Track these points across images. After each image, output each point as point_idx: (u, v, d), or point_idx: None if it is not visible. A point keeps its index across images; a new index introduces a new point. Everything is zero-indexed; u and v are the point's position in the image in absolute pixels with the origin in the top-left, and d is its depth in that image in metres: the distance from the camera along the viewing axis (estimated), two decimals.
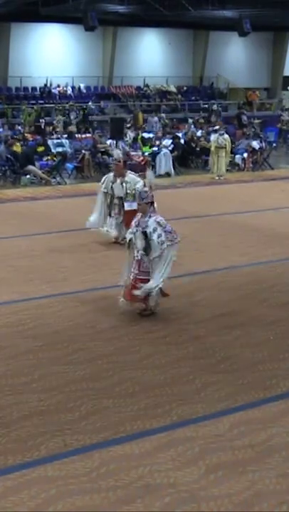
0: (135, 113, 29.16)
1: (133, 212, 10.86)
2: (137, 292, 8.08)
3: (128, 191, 11.28)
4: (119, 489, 4.98)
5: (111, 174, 11.77)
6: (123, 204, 11.41)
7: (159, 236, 8.04)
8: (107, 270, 10.00)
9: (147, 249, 8.08)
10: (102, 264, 10.59)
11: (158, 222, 8.10)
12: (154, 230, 8.06)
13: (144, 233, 8.07)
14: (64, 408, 6.13)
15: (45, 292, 9.32)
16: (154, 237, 8.03)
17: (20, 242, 12.11)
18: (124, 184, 11.36)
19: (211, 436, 5.69)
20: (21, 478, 5.10)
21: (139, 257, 8.18)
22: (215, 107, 32.31)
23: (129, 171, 11.99)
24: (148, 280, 8.12)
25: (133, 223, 8.35)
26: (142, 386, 6.56)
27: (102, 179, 11.99)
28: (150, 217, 8.14)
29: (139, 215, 8.35)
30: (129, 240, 8.30)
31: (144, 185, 10.66)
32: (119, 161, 11.83)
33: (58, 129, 24.61)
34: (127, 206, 11.23)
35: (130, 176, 11.60)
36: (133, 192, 11.20)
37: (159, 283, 8.10)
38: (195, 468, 5.25)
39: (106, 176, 12.03)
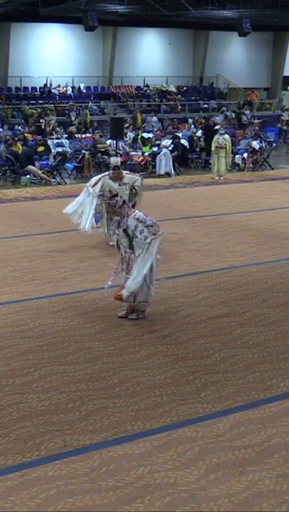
0: (134, 113, 29.17)
1: None
2: (122, 293, 8.07)
3: (127, 192, 11.18)
4: (119, 489, 4.98)
5: (106, 177, 11.34)
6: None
7: (142, 232, 8.02)
8: (107, 270, 9.99)
9: (132, 247, 8.08)
10: (102, 264, 10.59)
11: (137, 219, 8.09)
12: (136, 227, 8.03)
13: (126, 232, 8.08)
14: (64, 408, 6.13)
15: (45, 292, 9.33)
16: (138, 234, 8.02)
17: (20, 242, 12.12)
18: (124, 186, 11.19)
19: (211, 436, 5.69)
20: (21, 478, 5.10)
21: (127, 256, 8.16)
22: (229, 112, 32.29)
23: (125, 171, 11.86)
24: None
25: (113, 226, 8.38)
26: (142, 386, 6.56)
27: (93, 181, 11.41)
28: (128, 216, 8.14)
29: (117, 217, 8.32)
30: (117, 243, 8.30)
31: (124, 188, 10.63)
32: (119, 168, 11.49)
33: (57, 129, 24.61)
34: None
35: (127, 176, 11.48)
36: (134, 191, 11.17)
37: (139, 282, 7.99)
38: (195, 468, 5.25)
39: (99, 177, 11.47)
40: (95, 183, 11.32)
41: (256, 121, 29.28)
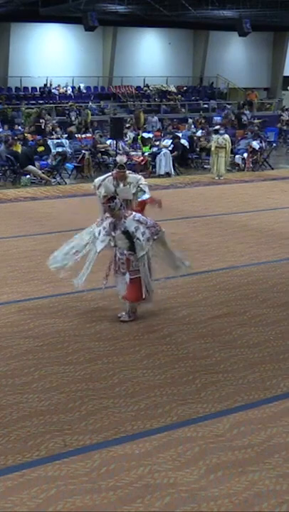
0: (137, 113, 29.09)
1: (143, 204, 10.80)
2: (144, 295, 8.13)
3: (133, 191, 11.05)
4: (119, 489, 4.98)
5: (110, 178, 10.93)
6: (127, 206, 10.99)
7: (144, 234, 8.00)
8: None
9: (133, 248, 8.05)
10: (101, 264, 10.55)
11: (138, 220, 8.05)
12: (136, 228, 7.99)
13: (126, 233, 8.04)
14: (64, 408, 6.13)
15: (45, 292, 9.33)
16: (139, 235, 7.99)
17: (20, 242, 12.12)
18: (129, 186, 11.02)
19: (211, 436, 5.69)
20: (21, 478, 5.10)
21: (124, 258, 8.11)
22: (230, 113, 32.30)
23: (128, 171, 11.72)
24: (139, 278, 8.09)
25: (105, 228, 8.25)
26: (142, 386, 6.57)
27: (96, 183, 11.07)
28: (126, 217, 8.10)
29: (110, 219, 8.25)
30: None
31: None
32: (124, 168, 11.30)
33: (57, 129, 24.60)
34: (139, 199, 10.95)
35: (131, 176, 11.32)
36: (139, 189, 11.01)
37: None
38: (195, 468, 5.25)
39: (101, 179, 11.05)
40: (100, 185, 11.13)
41: (256, 121, 29.29)
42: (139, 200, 10.82)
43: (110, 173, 11.36)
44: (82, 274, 8.34)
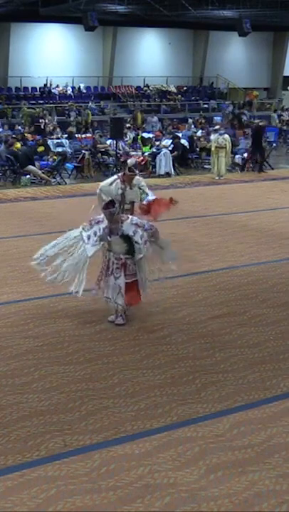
0: (134, 113, 29.12)
1: (151, 205, 10.73)
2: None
3: (140, 193, 10.93)
4: (119, 489, 4.98)
5: (118, 181, 10.40)
6: (132, 208, 10.86)
7: (142, 237, 7.99)
8: None
9: (132, 252, 8.02)
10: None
11: (136, 224, 8.03)
12: (135, 232, 7.98)
13: (124, 237, 7.99)
14: (64, 408, 6.13)
15: (45, 292, 9.32)
16: (138, 238, 7.97)
17: (20, 242, 12.11)
18: (135, 188, 10.84)
19: (211, 436, 5.69)
20: (21, 478, 5.10)
21: (120, 262, 8.05)
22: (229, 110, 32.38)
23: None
24: (136, 281, 8.09)
25: (96, 233, 8.19)
26: (142, 386, 6.57)
27: (106, 186, 10.45)
28: (122, 221, 8.05)
29: (103, 223, 8.16)
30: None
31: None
32: (134, 171, 11.04)
33: (57, 129, 24.61)
34: (145, 201, 10.85)
35: (135, 177, 11.14)
36: (141, 191, 10.88)
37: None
38: (195, 468, 5.25)
39: (110, 183, 10.53)
40: (107, 189, 10.82)
41: (256, 121, 29.28)
42: (146, 201, 10.67)
43: (116, 176, 11.07)
44: (80, 283, 8.22)
